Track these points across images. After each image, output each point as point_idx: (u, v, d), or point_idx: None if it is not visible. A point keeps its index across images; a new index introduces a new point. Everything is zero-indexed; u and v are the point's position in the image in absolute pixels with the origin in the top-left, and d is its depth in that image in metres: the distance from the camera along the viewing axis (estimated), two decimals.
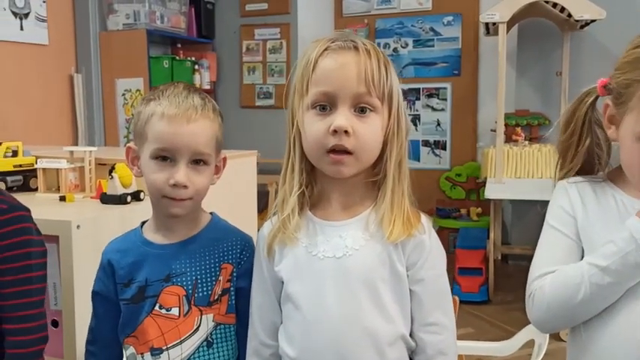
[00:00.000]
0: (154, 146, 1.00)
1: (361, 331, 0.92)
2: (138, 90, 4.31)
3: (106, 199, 1.70)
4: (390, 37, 4.70)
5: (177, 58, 4.67)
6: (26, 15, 3.91)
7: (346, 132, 0.90)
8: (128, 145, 1.07)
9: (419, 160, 4.69)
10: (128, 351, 1.05)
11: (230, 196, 1.78)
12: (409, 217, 0.95)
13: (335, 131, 0.90)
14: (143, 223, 1.12)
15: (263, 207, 3.09)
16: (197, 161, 1.01)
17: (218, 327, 1.05)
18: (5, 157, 1.86)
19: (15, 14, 3.85)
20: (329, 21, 4.84)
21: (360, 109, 0.92)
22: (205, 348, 1.04)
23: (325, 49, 0.94)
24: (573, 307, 0.93)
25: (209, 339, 1.04)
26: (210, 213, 1.11)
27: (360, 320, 0.93)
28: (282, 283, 0.99)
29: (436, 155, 4.67)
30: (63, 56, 4.19)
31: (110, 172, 1.71)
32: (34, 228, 1.05)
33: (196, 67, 4.85)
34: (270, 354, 1.02)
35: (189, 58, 4.78)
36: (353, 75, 0.91)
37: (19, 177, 1.88)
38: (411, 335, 0.97)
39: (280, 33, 4.87)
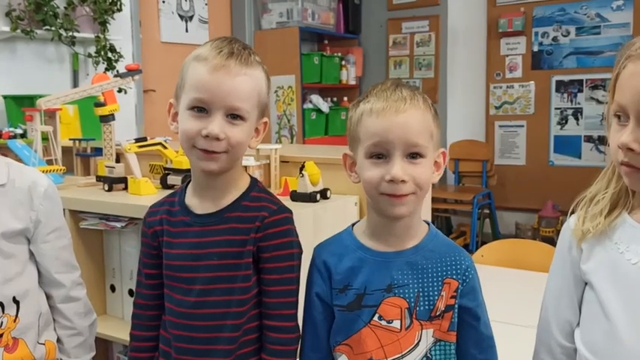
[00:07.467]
0: (367, 143, 0.94)
1: None
2: (290, 87, 4.40)
3: (296, 196, 1.71)
4: (549, 25, 4.40)
5: (325, 54, 4.72)
6: (191, 17, 4.13)
7: None
8: (344, 153, 1.02)
9: (580, 157, 4.36)
10: (340, 359, 1.02)
11: None
12: None
13: None
14: (353, 225, 1.05)
15: None
16: (413, 155, 0.94)
17: (437, 343, 0.98)
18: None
19: (181, 17, 4.08)
20: (482, 11, 4.63)
21: None
22: None
23: None
24: None
25: (428, 355, 0.97)
26: (426, 222, 1.03)
27: None
28: (586, 283, 0.95)
29: (600, 152, 4.31)
30: None
31: (300, 170, 1.72)
32: (294, 229, 1.05)
33: (343, 62, 4.87)
34: (563, 354, 0.99)
35: (336, 54, 4.81)
36: None
37: None
38: None
39: (429, 25, 4.75)
